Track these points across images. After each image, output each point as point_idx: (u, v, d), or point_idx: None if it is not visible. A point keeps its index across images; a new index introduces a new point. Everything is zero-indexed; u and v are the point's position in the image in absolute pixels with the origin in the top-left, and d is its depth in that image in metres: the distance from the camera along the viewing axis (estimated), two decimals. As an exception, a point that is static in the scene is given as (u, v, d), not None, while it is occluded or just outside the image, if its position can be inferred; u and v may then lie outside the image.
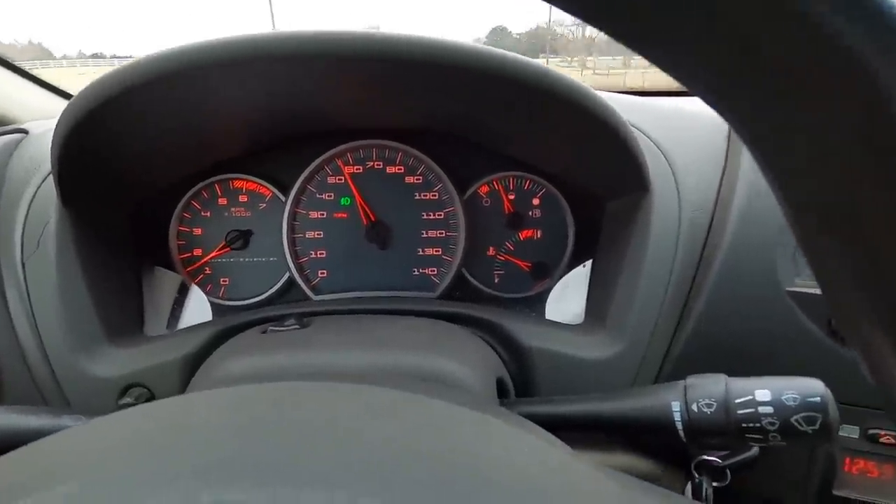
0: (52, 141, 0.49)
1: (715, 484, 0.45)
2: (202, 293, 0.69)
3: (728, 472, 0.45)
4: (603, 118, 0.48)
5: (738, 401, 0.35)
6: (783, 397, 0.34)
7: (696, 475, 0.46)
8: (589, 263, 0.67)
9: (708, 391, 0.36)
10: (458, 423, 0.24)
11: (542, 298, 0.72)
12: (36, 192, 0.57)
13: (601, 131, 0.50)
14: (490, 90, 0.50)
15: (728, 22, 0.13)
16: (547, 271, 0.71)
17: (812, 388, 0.34)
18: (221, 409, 0.23)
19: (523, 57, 0.46)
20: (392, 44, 0.44)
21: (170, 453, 0.19)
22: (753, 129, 0.15)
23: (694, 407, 0.36)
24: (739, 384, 0.36)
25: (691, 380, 0.38)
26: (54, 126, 0.48)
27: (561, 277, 0.71)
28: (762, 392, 0.35)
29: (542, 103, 0.49)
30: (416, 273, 0.72)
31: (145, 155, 0.59)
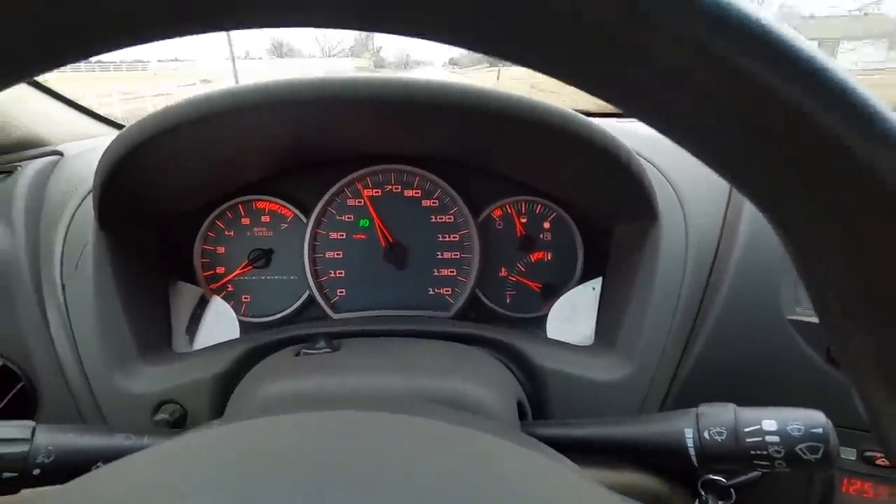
0: (97, 170, 0.51)
1: (721, 503, 0.47)
2: (227, 308, 0.71)
3: (733, 491, 0.48)
4: (602, 148, 0.51)
5: (746, 429, 0.38)
6: (788, 427, 0.37)
7: (703, 493, 0.48)
8: (598, 285, 0.69)
9: (719, 419, 0.39)
10: (497, 455, 0.27)
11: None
12: (74, 213, 0.59)
13: (606, 162, 0.52)
14: (498, 127, 0.53)
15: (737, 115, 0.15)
16: (556, 292, 0.73)
17: (815, 419, 0.37)
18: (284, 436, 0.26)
19: (528, 97, 0.49)
20: (410, 88, 0.48)
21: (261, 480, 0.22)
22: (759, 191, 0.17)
23: (706, 434, 0.39)
24: (748, 414, 0.39)
25: (703, 408, 0.41)
26: (99, 157, 0.51)
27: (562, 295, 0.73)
28: (769, 422, 0.37)
29: (550, 138, 0.52)
30: (432, 293, 0.74)
31: (177, 182, 0.62)
